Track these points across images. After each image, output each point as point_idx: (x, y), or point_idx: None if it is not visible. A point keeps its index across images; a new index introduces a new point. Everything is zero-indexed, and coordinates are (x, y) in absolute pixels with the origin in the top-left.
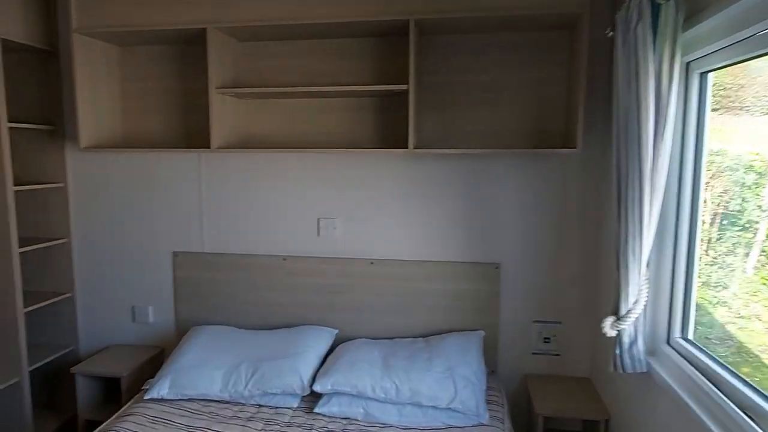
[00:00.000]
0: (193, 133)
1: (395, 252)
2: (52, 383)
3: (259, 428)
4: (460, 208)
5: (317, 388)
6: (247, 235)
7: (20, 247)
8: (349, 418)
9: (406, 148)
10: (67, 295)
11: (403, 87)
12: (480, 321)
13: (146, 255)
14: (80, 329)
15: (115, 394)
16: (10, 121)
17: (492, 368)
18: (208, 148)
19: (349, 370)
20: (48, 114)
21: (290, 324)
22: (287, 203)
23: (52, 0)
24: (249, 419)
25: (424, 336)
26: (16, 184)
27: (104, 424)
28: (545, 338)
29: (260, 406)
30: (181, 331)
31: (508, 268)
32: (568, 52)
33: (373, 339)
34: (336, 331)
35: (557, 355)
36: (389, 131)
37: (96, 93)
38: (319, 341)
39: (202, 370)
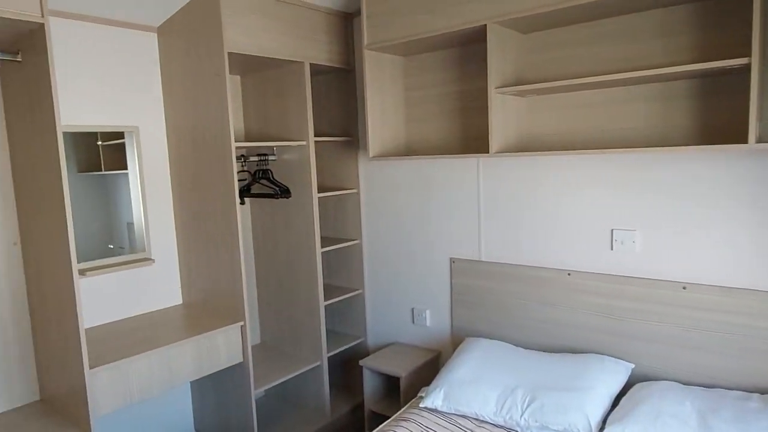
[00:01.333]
0: (471, 138)
1: (718, 276)
2: (345, 369)
3: None
4: None
5: None
6: (528, 244)
7: (322, 246)
8: None
9: (745, 143)
10: (359, 291)
11: (743, 61)
12: None
13: (425, 259)
14: (368, 324)
15: (396, 390)
16: (315, 136)
17: None
18: (487, 152)
19: (652, 424)
20: (346, 126)
21: (573, 348)
22: (574, 211)
23: (349, 24)
24: None
25: (761, 391)
26: (319, 191)
27: (383, 424)
28: None
29: None
30: (456, 338)
31: None
32: None
33: (683, 384)
34: (632, 366)
35: None
36: (712, 122)
37: (384, 104)
38: (610, 376)
39: (475, 387)
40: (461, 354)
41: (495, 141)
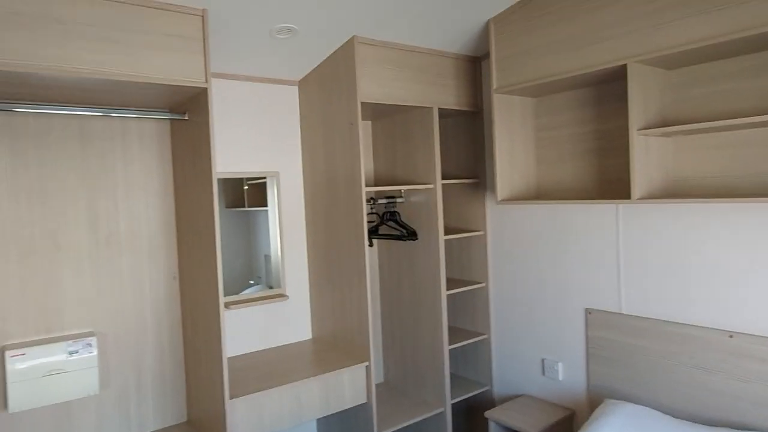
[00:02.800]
0: (609, 180)
1: None
2: (469, 418)
3: None
4: None
5: None
6: (678, 299)
7: (448, 289)
8: None
9: None
10: (484, 336)
11: None
12: None
13: (557, 308)
14: (494, 371)
15: None
16: (442, 178)
17: None
18: (628, 198)
19: None
20: (474, 168)
21: (734, 423)
22: (737, 264)
23: (477, 67)
24: None
25: None
26: (445, 233)
27: None
28: None
29: None
30: (593, 397)
31: None
32: None
33: None
34: None
35: None
36: None
37: (513, 146)
38: None
39: None
40: (602, 418)
41: (637, 186)
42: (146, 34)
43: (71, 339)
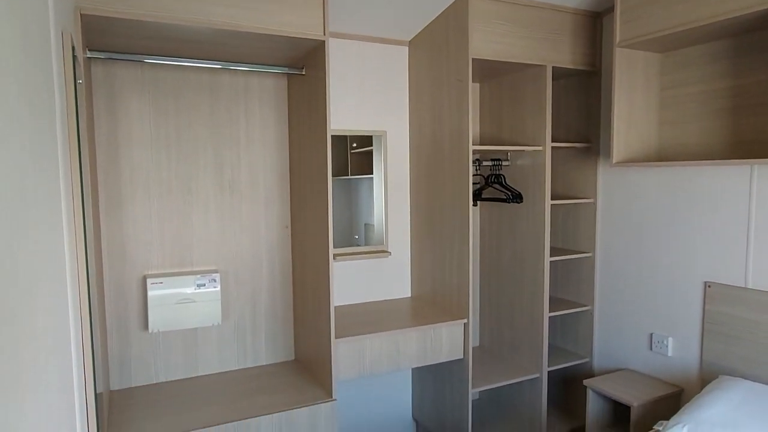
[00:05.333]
0: (744, 142)
1: None
2: (565, 388)
3: None
4: None
5: None
6: None
7: (551, 256)
8: None
9: None
10: (587, 308)
11: None
12: None
13: (671, 280)
14: (595, 343)
15: (623, 419)
16: (552, 141)
17: None
18: None
19: None
20: (585, 132)
21: None
22: None
23: (598, 23)
24: None
25: None
26: (552, 198)
27: None
28: None
29: None
30: (705, 375)
31: None
32: None
33: None
34: None
35: None
36: None
37: (632, 106)
38: None
39: None
40: (713, 392)
41: None
42: None
43: (199, 274)
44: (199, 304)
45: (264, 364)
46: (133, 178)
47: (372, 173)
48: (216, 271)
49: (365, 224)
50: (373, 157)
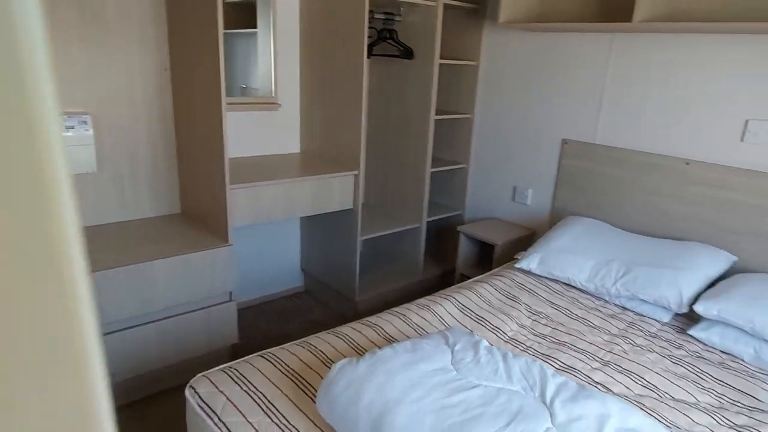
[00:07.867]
0: (612, 9)
1: None
2: (440, 238)
3: (621, 328)
4: None
5: (699, 309)
6: (648, 130)
7: (436, 115)
8: (731, 354)
9: None
10: (462, 166)
11: None
12: None
13: (535, 138)
14: (468, 197)
15: (487, 261)
16: None
17: None
18: (629, 20)
19: (747, 304)
20: None
21: (676, 237)
22: (703, 97)
23: None
24: (611, 316)
25: None
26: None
27: (479, 276)
28: None
29: (624, 308)
30: (555, 218)
31: None
32: None
33: None
34: (735, 259)
35: None
36: None
37: None
38: (710, 263)
39: (572, 257)
40: (560, 228)
41: (641, 7)
42: None
43: (65, 115)
44: (69, 148)
45: (149, 216)
46: None
47: (256, 27)
48: (86, 113)
49: (241, 87)
50: (257, 8)
